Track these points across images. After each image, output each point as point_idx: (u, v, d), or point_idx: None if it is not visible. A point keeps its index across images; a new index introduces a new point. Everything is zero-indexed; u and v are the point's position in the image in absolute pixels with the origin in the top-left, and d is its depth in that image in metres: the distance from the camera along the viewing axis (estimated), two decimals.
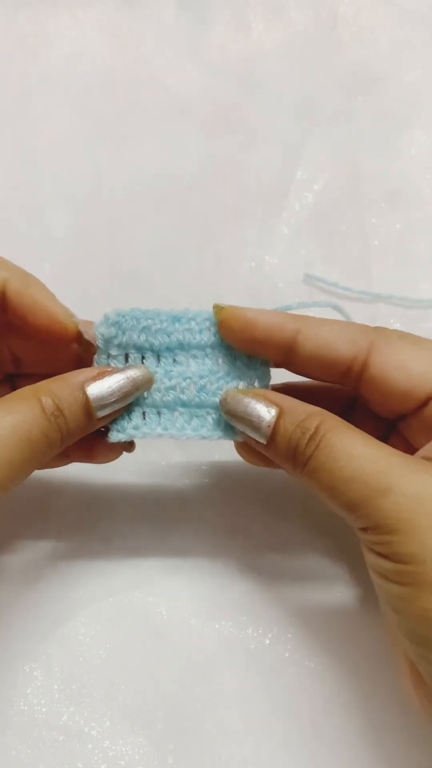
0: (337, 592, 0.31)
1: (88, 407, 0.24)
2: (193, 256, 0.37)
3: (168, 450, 0.34)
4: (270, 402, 0.24)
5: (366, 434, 0.23)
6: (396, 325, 0.36)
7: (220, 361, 0.26)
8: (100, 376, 0.24)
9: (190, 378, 0.26)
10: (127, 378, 0.24)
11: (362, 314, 0.36)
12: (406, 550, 0.21)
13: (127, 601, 0.31)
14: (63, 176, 0.39)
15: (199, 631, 0.30)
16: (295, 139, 0.39)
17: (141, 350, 0.26)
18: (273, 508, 0.32)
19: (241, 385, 0.26)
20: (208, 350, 0.26)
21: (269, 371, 0.27)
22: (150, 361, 0.26)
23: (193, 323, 0.26)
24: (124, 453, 0.32)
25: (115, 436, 0.26)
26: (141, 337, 0.26)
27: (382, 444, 0.23)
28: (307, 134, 0.40)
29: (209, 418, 0.26)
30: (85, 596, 0.31)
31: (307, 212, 0.38)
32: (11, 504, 0.32)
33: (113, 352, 0.26)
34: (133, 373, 0.25)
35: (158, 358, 0.26)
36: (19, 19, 0.41)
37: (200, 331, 0.26)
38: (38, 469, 0.25)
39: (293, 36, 0.41)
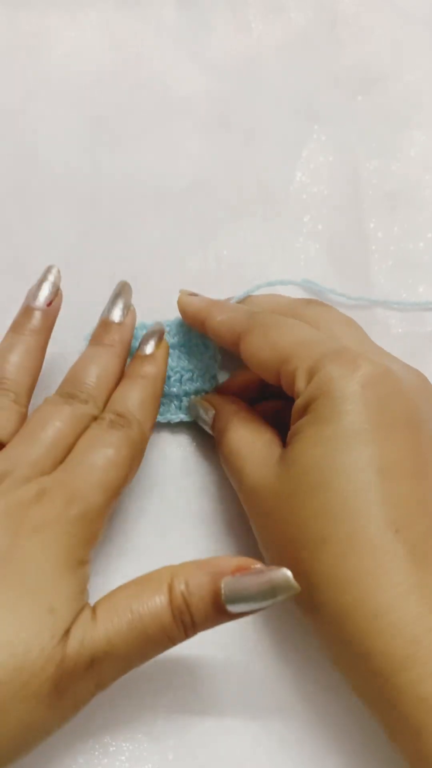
0: None
1: (218, 608, 0.23)
2: (192, 256, 0.37)
3: (168, 449, 0.34)
4: (209, 404, 0.32)
5: (257, 430, 0.29)
6: (395, 329, 0.36)
7: (183, 358, 0.33)
8: (239, 571, 0.23)
9: None
10: (267, 580, 0.22)
11: (360, 317, 0.36)
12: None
13: None
14: (63, 176, 0.39)
15: None
16: (295, 139, 0.40)
17: None
18: None
19: (196, 375, 0.33)
20: (173, 350, 0.33)
21: (214, 363, 0.33)
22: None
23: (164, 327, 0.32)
24: None
25: None
26: None
27: (258, 441, 0.28)
28: (307, 134, 0.40)
29: (172, 405, 0.33)
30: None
31: (306, 213, 0.38)
32: None
33: None
34: (274, 575, 0.22)
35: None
36: (19, 19, 0.41)
37: (167, 334, 0.33)
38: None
39: (293, 36, 0.41)
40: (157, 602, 0.23)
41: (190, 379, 0.33)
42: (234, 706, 0.29)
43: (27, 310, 0.31)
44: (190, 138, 0.39)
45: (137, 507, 0.33)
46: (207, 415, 0.31)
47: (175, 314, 0.36)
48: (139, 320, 0.33)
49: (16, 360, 0.29)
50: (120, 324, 0.31)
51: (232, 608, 0.23)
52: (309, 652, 0.30)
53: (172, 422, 0.33)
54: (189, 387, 0.33)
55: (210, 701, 0.29)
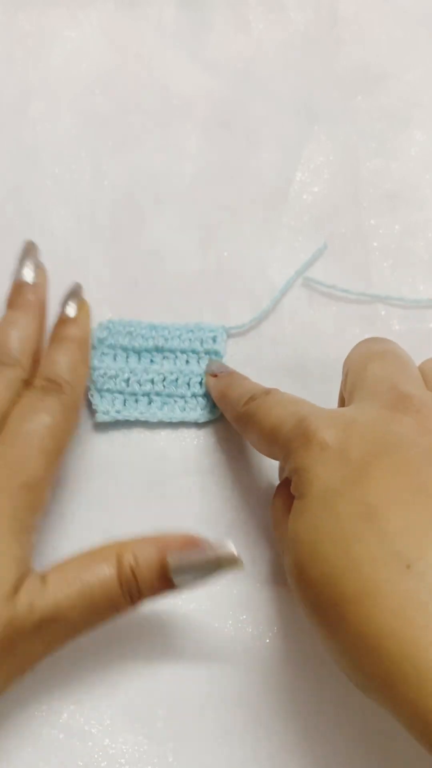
0: None
1: (164, 580, 0.25)
2: (193, 256, 0.37)
3: (168, 449, 0.34)
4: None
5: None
6: (396, 327, 0.36)
7: (185, 361, 0.34)
8: (185, 545, 0.25)
9: (162, 374, 0.34)
10: (215, 553, 0.25)
11: (361, 316, 0.36)
12: None
13: None
14: (63, 176, 0.39)
15: (199, 630, 0.30)
16: (295, 139, 0.40)
17: (126, 350, 0.34)
18: None
19: (204, 379, 0.34)
20: (178, 353, 0.34)
21: (221, 361, 0.34)
22: (133, 358, 0.34)
23: (166, 332, 0.34)
24: (122, 451, 0.33)
25: (101, 417, 0.33)
26: (126, 339, 0.34)
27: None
28: (307, 134, 0.40)
29: (176, 406, 0.33)
30: None
31: (306, 213, 0.38)
32: None
33: (105, 350, 0.34)
34: (218, 551, 0.25)
35: (139, 357, 0.34)
36: (19, 19, 0.41)
37: (171, 338, 0.34)
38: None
39: (293, 36, 0.41)
40: (105, 572, 0.24)
41: (198, 383, 0.34)
42: (234, 708, 0.29)
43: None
44: (190, 138, 0.40)
45: (137, 507, 0.32)
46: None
47: (176, 316, 0.36)
48: (147, 321, 0.35)
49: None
50: (33, 284, 0.32)
51: (178, 580, 0.25)
52: (310, 654, 0.30)
53: (173, 421, 0.33)
54: (196, 390, 0.34)
55: (210, 703, 0.29)
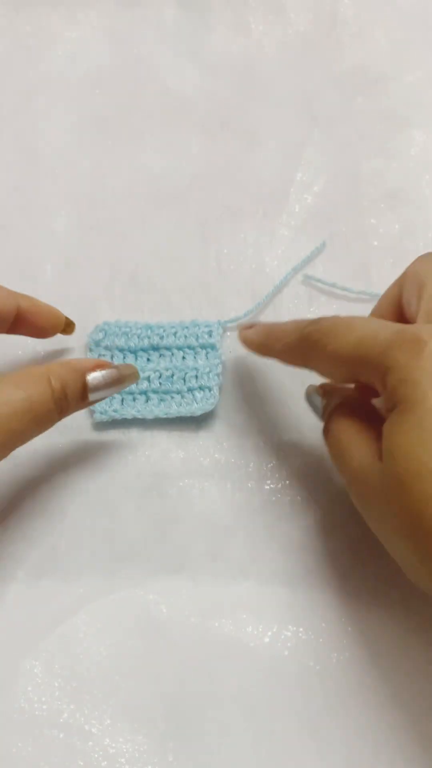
0: (336, 591, 0.31)
1: (85, 392, 0.29)
2: (193, 256, 0.37)
3: (168, 449, 0.34)
4: (321, 391, 0.30)
5: (363, 426, 0.27)
6: None
7: (181, 357, 0.34)
8: (98, 367, 0.29)
9: (159, 371, 0.34)
10: (119, 372, 0.30)
11: (361, 314, 0.36)
12: None
13: (127, 599, 0.31)
14: (63, 176, 0.39)
15: (199, 629, 0.30)
16: (295, 139, 0.40)
17: (122, 351, 0.34)
18: (273, 507, 0.32)
19: (200, 373, 0.34)
20: (174, 350, 0.34)
21: (219, 363, 0.34)
22: (129, 359, 0.35)
23: (160, 330, 0.35)
24: (122, 452, 0.33)
25: (99, 417, 0.34)
26: (122, 340, 0.35)
27: (362, 438, 0.27)
28: (307, 134, 0.40)
29: (172, 402, 0.34)
30: (86, 594, 0.31)
31: (306, 213, 0.38)
32: (13, 503, 0.33)
33: (102, 351, 0.35)
34: (124, 368, 0.30)
35: (135, 356, 0.35)
36: (19, 19, 0.41)
37: (166, 336, 0.34)
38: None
39: (293, 36, 0.41)
40: (44, 398, 0.27)
41: (194, 377, 0.34)
42: (234, 707, 0.29)
43: None
44: (190, 138, 0.40)
45: (137, 507, 0.32)
46: (318, 403, 0.30)
47: (176, 316, 0.36)
48: (144, 321, 0.35)
49: None
50: None
51: (93, 396, 0.29)
52: (310, 654, 0.30)
53: (170, 416, 0.33)
54: (192, 384, 0.34)
55: (210, 702, 0.29)
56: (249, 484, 0.33)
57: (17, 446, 0.27)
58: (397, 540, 0.24)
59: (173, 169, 0.39)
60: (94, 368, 0.29)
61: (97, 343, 0.34)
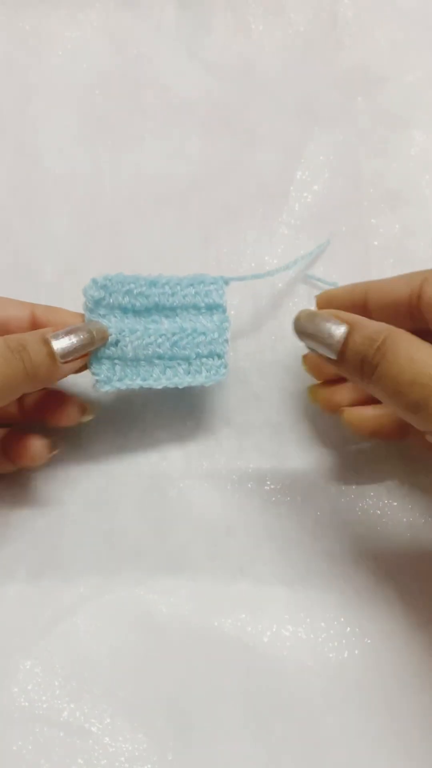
0: (336, 591, 0.31)
1: (51, 354, 0.28)
2: (193, 256, 0.37)
3: (168, 450, 0.34)
4: (340, 319, 0.26)
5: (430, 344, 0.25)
6: None
7: (188, 319, 0.31)
8: (63, 330, 0.28)
9: (164, 335, 0.30)
10: (87, 331, 0.29)
11: None
12: None
13: (127, 598, 0.31)
14: (63, 176, 0.39)
15: (199, 628, 0.30)
16: (295, 139, 0.39)
17: (124, 311, 0.31)
18: (273, 507, 0.33)
19: (209, 337, 0.31)
20: (179, 311, 0.31)
21: (227, 327, 0.31)
22: (132, 320, 0.31)
23: (167, 287, 0.31)
24: (122, 453, 0.33)
25: (101, 386, 0.30)
26: (125, 299, 0.31)
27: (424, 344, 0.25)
28: (307, 135, 0.40)
29: (180, 369, 0.31)
30: (86, 594, 0.31)
31: (306, 213, 0.38)
32: (13, 503, 0.33)
33: (102, 311, 0.30)
34: (91, 326, 0.29)
35: (139, 317, 0.31)
36: (19, 19, 0.41)
37: (173, 294, 0.31)
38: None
39: (293, 37, 0.41)
40: (16, 365, 0.27)
41: (203, 343, 0.31)
42: (233, 706, 0.29)
43: None
44: (191, 138, 0.39)
45: (137, 508, 0.33)
46: (338, 332, 0.26)
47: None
48: (145, 276, 0.32)
49: None
50: None
51: (65, 360, 0.28)
52: (309, 653, 0.30)
53: (179, 386, 0.31)
54: (202, 350, 0.31)
55: (209, 701, 0.29)
56: (249, 485, 0.33)
57: None
58: None
59: (173, 169, 0.39)
60: (56, 330, 0.28)
61: (97, 303, 0.30)
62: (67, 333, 0.28)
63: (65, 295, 0.34)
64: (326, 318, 0.26)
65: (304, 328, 0.27)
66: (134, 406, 0.34)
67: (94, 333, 0.29)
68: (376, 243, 0.37)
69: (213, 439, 0.34)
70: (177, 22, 0.41)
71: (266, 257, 0.37)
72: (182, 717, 0.29)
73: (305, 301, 0.36)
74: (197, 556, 0.32)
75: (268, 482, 0.33)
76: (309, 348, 0.27)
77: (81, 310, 0.34)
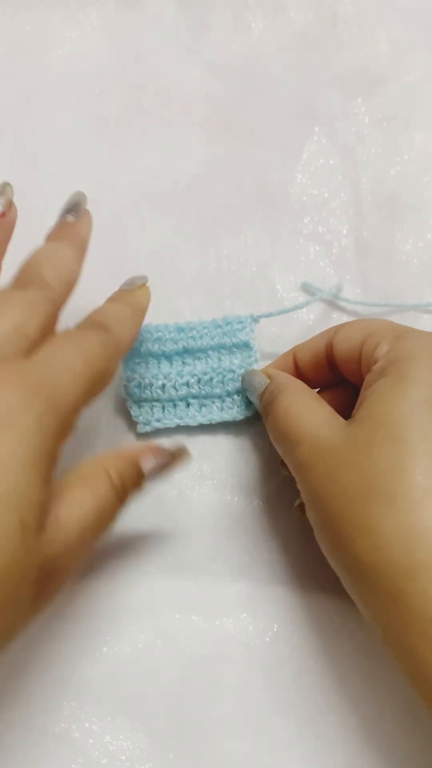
0: (336, 590, 0.31)
1: (141, 480, 0.27)
2: (193, 256, 0.37)
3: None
4: (265, 375, 0.31)
5: (316, 397, 0.28)
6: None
7: (218, 358, 0.33)
8: (150, 452, 0.28)
9: (197, 375, 0.33)
10: (171, 455, 0.28)
11: (359, 319, 0.36)
12: (306, 493, 0.26)
13: (127, 598, 0.31)
14: (63, 176, 0.39)
15: (200, 628, 0.30)
16: (295, 140, 0.39)
17: (157, 357, 0.33)
18: (273, 507, 0.33)
19: (238, 375, 0.33)
20: (209, 351, 0.33)
21: (255, 364, 0.33)
22: (164, 364, 0.33)
23: (194, 332, 0.33)
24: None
25: (142, 429, 0.33)
26: (155, 346, 0.33)
27: (320, 405, 0.28)
28: (307, 135, 0.40)
29: (214, 407, 0.33)
30: (86, 593, 0.31)
31: (306, 214, 0.38)
32: None
33: (136, 360, 0.33)
34: (175, 450, 0.28)
35: (171, 361, 0.33)
36: (19, 19, 0.41)
37: (201, 337, 0.33)
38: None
39: (293, 36, 0.41)
40: (106, 493, 0.26)
41: (232, 380, 0.33)
42: (234, 705, 0.29)
43: None
44: (190, 138, 0.39)
45: (137, 509, 0.33)
46: (260, 384, 0.31)
47: (177, 316, 0.36)
48: (173, 323, 0.34)
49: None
50: (75, 222, 0.31)
51: (150, 482, 0.28)
52: (309, 653, 0.30)
53: (213, 422, 0.33)
54: (231, 387, 0.33)
55: (211, 701, 0.29)
56: (249, 485, 0.33)
57: (90, 545, 0.26)
58: (335, 507, 0.25)
59: (173, 169, 0.39)
60: (146, 454, 0.28)
61: (132, 352, 0.33)
62: (158, 463, 0.28)
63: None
64: (256, 373, 0.32)
65: (243, 380, 0.33)
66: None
67: (177, 454, 0.29)
68: (375, 245, 0.38)
69: (213, 440, 0.34)
70: (177, 22, 0.41)
71: (266, 259, 0.37)
72: (183, 716, 0.29)
73: (303, 308, 0.36)
74: (197, 556, 0.32)
75: (269, 482, 0.33)
76: (248, 397, 0.32)
77: (80, 310, 0.34)
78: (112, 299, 0.31)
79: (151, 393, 0.33)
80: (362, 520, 0.23)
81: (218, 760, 0.28)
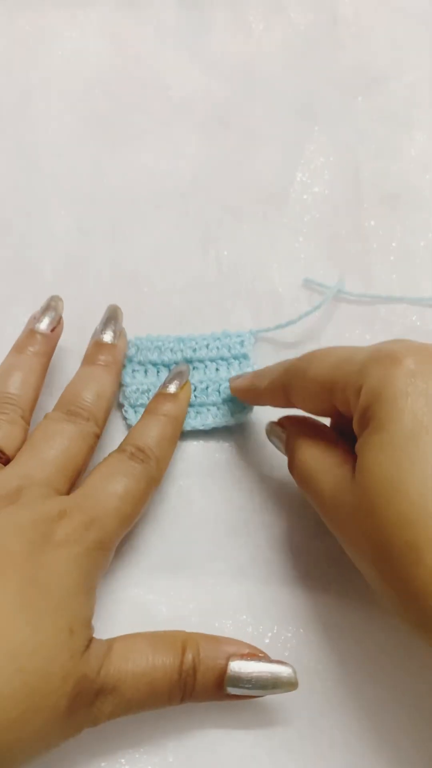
0: (336, 591, 0.31)
1: (221, 680, 0.25)
2: (193, 257, 0.37)
3: None
4: (279, 428, 0.31)
5: (327, 445, 0.27)
6: (396, 327, 0.36)
7: (215, 369, 0.34)
8: (249, 656, 0.26)
9: (193, 384, 0.34)
10: (271, 672, 0.26)
11: (362, 317, 0.36)
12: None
13: (127, 598, 0.31)
14: (63, 176, 0.39)
15: (199, 629, 0.30)
16: (295, 139, 0.40)
17: (156, 365, 0.34)
18: (273, 507, 0.32)
19: (229, 382, 0.33)
20: (207, 362, 0.34)
21: (249, 364, 0.34)
22: (163, 372, 0.34)
23: (193, 343, 0.34)
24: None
25: None
26: (154, 354, 0.34)
27: (330, 456, 0.27)
28: (307, 135, 0.40)
29: (209, 414, 0.33)
30: None
31: (306, 214, 0.38)
32: None
33: (136, 367, 0.34)
34: (279, 669, 0.26)
35: (169, 370, 0.34)
36: (19, 19, 0.41)
37: (199, 349, 0.34)
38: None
39: (293, 36, 0.41)
40: (169, 660, 0.25)
41: (228, 389, 0.33)
42: (234, 707, 0.29)
43: (31, 333, 0.32)
44: (190, 138, 0.40)
45: None
46: (281, 437, 0.31)
47: (177, 317, 0.36)
48: (174, 335, 0.34)
49: (20, 377, 0.31)
50: (112, 344, 0.32)
51: (231, 690, 0.25)
52: (309, 654, 0.30)
53: (207, 428, 0.33)
54: (227, 395, 0.34)
55: (210, 703, 0.29)
56: (249, 484, 0.33)
57: (129, 702, 0.25)
58: (365, 563, 0.24)
59: (173, 169, 0.39)
60: (242, 655, 0.26)
61: (131, 359, 0.34)
62: (253, 672, 0.26)
63: (65, 295, 0.34)
64: (275, 428, 0.31)
65: (269, 436, 0.32)
66: None
67: (281, 677, 0.26)
68: (375, 245, 0.37)
69: (213, 439, 0.34)
70: (177, 21, 0.41)
71: (266, 259, 0.37)
72: (182, 718, 0.29)
73: (305, 305, 0.36)
74: (197, 556, 0.32)
75: (269, 482, 0.33)
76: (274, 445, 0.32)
77: (80, 310, 0.34)
78: (152, 412, 0.31)
79: (148, 399, 0.33)
80: (390, 572, 0.22)
81: (217, 762, 0.28)
